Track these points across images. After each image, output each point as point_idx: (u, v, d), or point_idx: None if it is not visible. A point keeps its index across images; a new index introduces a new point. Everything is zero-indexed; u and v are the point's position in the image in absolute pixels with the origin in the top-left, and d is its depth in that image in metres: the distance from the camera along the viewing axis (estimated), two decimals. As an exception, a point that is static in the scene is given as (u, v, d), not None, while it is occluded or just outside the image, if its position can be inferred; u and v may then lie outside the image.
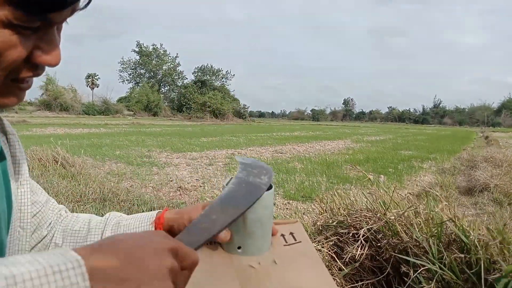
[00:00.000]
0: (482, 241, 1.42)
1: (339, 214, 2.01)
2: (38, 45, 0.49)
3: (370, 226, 1.83)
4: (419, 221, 1.73)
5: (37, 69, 0.51)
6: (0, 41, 0.46)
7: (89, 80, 66.61)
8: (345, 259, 1.83)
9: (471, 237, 1.44)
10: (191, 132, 19.12)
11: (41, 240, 0.76)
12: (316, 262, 0.65)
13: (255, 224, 0.65)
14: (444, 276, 1.35)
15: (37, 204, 0.74)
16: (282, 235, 0.74)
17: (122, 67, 65.66)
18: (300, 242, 0.72)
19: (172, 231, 0.74)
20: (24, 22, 0.46)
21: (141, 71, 65.48)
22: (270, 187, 0.68)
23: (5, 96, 0.51)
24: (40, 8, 0.46)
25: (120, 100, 52.63)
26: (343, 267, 1.81)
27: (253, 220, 0.64)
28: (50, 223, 0.77)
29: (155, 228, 0.75)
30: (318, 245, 1.88)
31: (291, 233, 0.75)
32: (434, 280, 1.34)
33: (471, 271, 1.35)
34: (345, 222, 1.93)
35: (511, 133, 33.55)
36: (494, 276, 1.24)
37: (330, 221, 1.99)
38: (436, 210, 1.77)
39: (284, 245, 0.71)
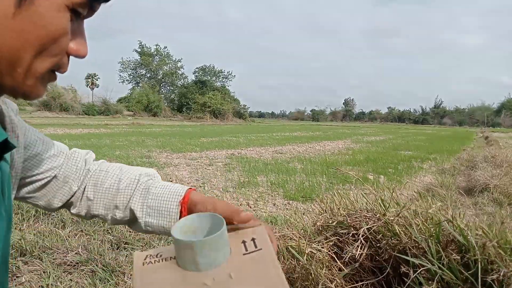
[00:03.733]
0: (479, 242, 1.43)
1: (339, 214, 2.02)
2: (73, 35, 0.49)
3: (370, 226, 1.84)
4: (418, 222, 1.74)
5: (68, 60, 0.51)
6: (61, 26, 0.46)
7: (89, 80, 66.57)
8: (345, 259, 1.84)
9: (468, 238, 1.45)
10: (191, 132, 19.12)
11: (73, 195, 0.79)
12: (274, 274, 0.59)
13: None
14: (443, 277, 1.37)
15: (54, 169, 0.76)
16: (243, 242, 0.68)
17: (122, 67, 65.62)
18: (261, 249, 0.65)
19: (192, 212, 0.75)
20: (81, 7, 0.46)
21: (142, 71, 65.46)
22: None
23: (41, 86, 0.50)
24: None
25: (120, 100, 52.62)
26: (343, 267, 1.82)
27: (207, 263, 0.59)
28: (80, 178, 0.80)
29: (180, 206, 0.76)
30: (318, 245, 1.89)
31: (253, 239, 0.68)
32: (435, 281, 1.35)
33: (469, 272, 1.36)
34: (345, 222, 1.94)
35: (511, 133, 33.56)
36: (492, 276, 1.25)
37: (330, 221, 2.00)
38: (432, 211, 1.78)
39: (244, 254, 0.64)
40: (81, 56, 0.51)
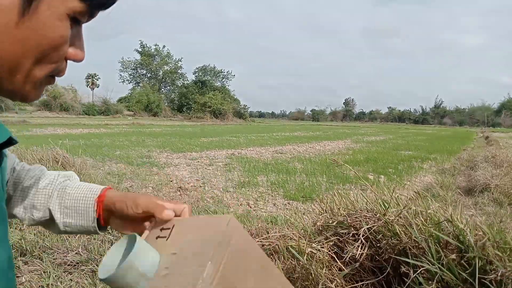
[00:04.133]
0: (478, 242, 1.43)
1: (339, 214, 2.02)
2: (72, 41, 0.50)
3: (370, 226, 1.84)
4: (418, 222, 1.74)
5: (66, 65, 0.53)
6: (62, 34, 0.48)
7: (89, 80, 66.53)
8: (345, 259, 1.84)
9: (467, 238, 1.46)
10: (191, 132, 19.13)
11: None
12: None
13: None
14: (443, 277, 1.37)
15: None
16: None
17: (122, 67, 65.57)
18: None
19: (110, 211, 0.73)
20: (81, 15, 0.48)
21: (142, 71, 65.44)
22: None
23: (39, 90, 0.51)
24: (101, 2, 0.49)
25: (120, 100, 52.62)
26: (343, 267, 1.82)
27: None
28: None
29: (96, 205, 0.74)
30: (318, 245, 1.89)
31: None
32: (435, 281, 1.35)
33: (467, 272, 1.36)
34: (345, 222, 1.94)
35: (511, 133, 33.54)
36: (490, 276, 1.25)
37: (330, 221, 2.00)
38: (431, 211, 1.78)
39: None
40: (78, 60, 0.52)
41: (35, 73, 0.49)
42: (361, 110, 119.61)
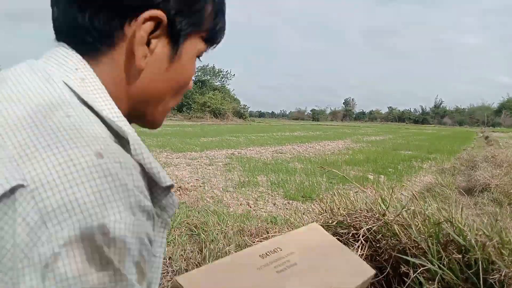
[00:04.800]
0: (479, 242, 1.43)
1: (339, 214, 2.01)
2: None
3: (370, 227, 1.84)
4: (417, 222, 1.74)
5: None
6: (193, 72, 0.62)
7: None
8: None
9: (468, 238, 1.45)
10: (191, 132, 19.13)
11: None
12: None
13: None
14: (444, 276, 1.36)
15: None
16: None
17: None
18: None
19: None
20: (201, 54, 0.62)
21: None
22: None
23: (164, 118, 0.65)
24: (217, 42, 0.63)
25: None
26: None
27: None
28: None
29: None
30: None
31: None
32: (436, 281, 1.35)
33: (470, 271, 1.35)
34: (345, 222, 1.94)
35: (511, 133, 33.54)
36: (493, 276, 1.25)
37: (330, 221, 1.99)
38: (431, 211, 1.77)
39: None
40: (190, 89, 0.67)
41: (170, 105, 0.63)
42: (361, 110, 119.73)
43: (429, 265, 1.40)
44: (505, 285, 1.24)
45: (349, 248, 1.88)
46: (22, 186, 0.38)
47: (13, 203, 0.37)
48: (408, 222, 1.69)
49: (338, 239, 1.96)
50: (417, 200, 1.88)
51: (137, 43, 0.53)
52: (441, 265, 1.39)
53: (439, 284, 1.39)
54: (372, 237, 1.86)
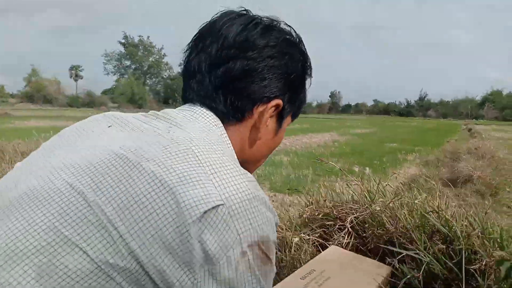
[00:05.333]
0: (464, 232, 1.45)
1: (325, 206, 2.02)
2: None
3: (356, 216, 1.84)
4: (404, 212, 1.75)
5: None
6: (283, 134, 0.86)
7: (73, 71, 65.44)
8: (331, 239, 1.84)
9: (453, 228, 1.47)
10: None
11: None
12: None
13: None
14: (430, 266, 1.38)
15: None
16: None
17: (106, 60, 64.53)
18: None
19: None
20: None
21: (126, 62, 64.53)
22: None
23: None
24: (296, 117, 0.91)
25: (104, 92, 51.95)
26: (329, 259, 1.82)
27: None
28: None
29: None
30: (305, 236, 1.89)
31: None
32: (421, 270, 1.36)
33: (453, 261, 1.37)
34: (331, 214, 1.94)
35: (493, 125, 34.18)
36: (475, 266, 1.26)
37: (316, 213, 1.99)
38: (418, 202, 1.79)
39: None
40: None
41: (263, 161, 0.89)
42: (348, 103, 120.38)
43: (416, 255, 1.41)
44: (486, 274, 1.26)
45: (335, 238, 1.89)
46: (221, 205, 0.55)
47: (215, 216, 0.55)
48: (396, 213, 1.70)
49: (324, 231, 1.97)
50: (407, 190, 1.89)
51: (263, 122, 0.76)
52: (427, 255, 1.40)
53: (425, 273, 1.40)
54: (358, 227, 1.87)
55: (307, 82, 0.87)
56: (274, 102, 0.75)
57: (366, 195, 1.98)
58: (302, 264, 1.78)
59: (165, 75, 64.00)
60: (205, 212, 0.54)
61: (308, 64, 0.85)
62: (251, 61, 0.73)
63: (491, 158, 6.67)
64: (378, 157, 8.46)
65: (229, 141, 0.72)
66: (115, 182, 0.56)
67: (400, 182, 4.51)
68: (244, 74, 0.72)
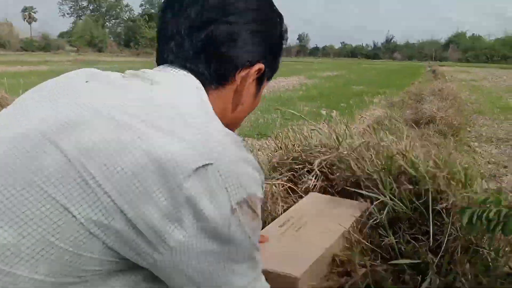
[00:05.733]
0: (430, 173, 1.46)
1: (294, 150, 2.00)
2: None
3: (324, 158, 1.84)
4: (371, 155, 1.76)
5: None
6: (260, 98, 0.86)
7: (26, 13, 60.95)
8: (301, 188, 1.84)
9: (419, 169, 1.48)
10: (141, 68, 18.30)
11: None
12: None
13: None
14: (394, 207, 1.39)
15: None
16: None
17: (62, 0, 60.18)
18: None
19: None
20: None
21: (83, 3, 60.52)
22: None
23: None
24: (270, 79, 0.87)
25: (61, 35, 48.99)
26: (299, 199, 1.83)
27: None
28: None
29: None
30: (273, 181, 1.88)
31: None
32: (385, 211, 1.37)
33: (419, 202, 1.39)
34: (300, 158, 1.93)
35: (457, 67, 35.00)
36: (441, 205, 1.29)
37: (285, 158, 1.98)
38: (385, 144, 1.80)
39: None
40: None
41: (240, 125, 0.89)
42: (315, 46, 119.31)
43: (381, 197, 1.42)
44: (451, 213, 1.29)
45: (304, 181, 1.90)
46: (210, 164, 0.56)
47: (204, 174, 0.56)
48: (363, 155, 1.70)
49: (293, 175, 1.97)
50: (374, 132, 1.89)
51: (246, 87, 0.76)
52: (392, 197, 1.41)
53: (390, 214, 1.42)
54: (326, 170, 1.87)
55: (283, 43, 0.88)
56: (257, 66, 0.76)
57: (334, 139, 1.97)
58: (270, 208, 1.78)
59: (125, 17, 60.76)
60: (196, 169, 0.55)
61: (285, 28, 0.85)
62: (234, 25, 0.73)
63: (454, 99, 6.85)
64: (345, 100, 8.53)
65: (211, 106, 0.72)
66: (97, 138, 0.56)
67: (367, 125, 4.58)
68: (227, 38, 0.72)
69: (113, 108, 0.60)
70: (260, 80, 0.80)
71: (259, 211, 0.65)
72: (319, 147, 1.94)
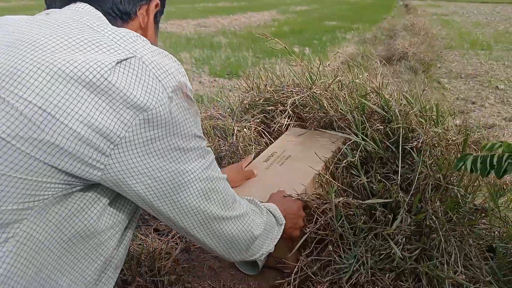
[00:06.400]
0: (402, 111, 1.46)
1: (266, 91, 1.95)
2: None
3: (296, 98, 1.80)
4: (344, 94, 1.73)
5: None
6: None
7: None
8: (273, 129, 1.82)
9: (392, 108, 1.47)
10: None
11: None
12: None
13: None
14: (366, 147, 1.39)
15: None
16: None
17: None
18: None
19: None
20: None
21: None
22: None
23: None
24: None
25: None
26: (272, 140, 1.82)
27: None
28: None
29: None
30: (246, 123, 1.84)
31: None
32: (358, 151, 1.37)
33: (390, 140, 1.39)
34: (272, 99, 1.88)
35: (428, 0, 34.54)
36: (412, 144, 1.29)
37: (257, 99, 1.93)
38: (359, 82, 1.77)
39: None
40: None
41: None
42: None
43: (353, 137, 1.41)
44: (422, 151, 1.30)
45: (276, 121, 1.87)
46: (133, 56, 0.59)
47: (129, 66, 0.58)
48: (336, 94, 1.67)
49: (265, 116, 1.94)
50: (348, 70, 1.85)
51: (150, 23, 0.79)
52: (364, 137, 1.41)
53: (362, 153, 1.43)
54: (299, 110, 1.84)
55: None
56: (155, 2, 0.79)
57: (307, 77, 1.92)
58: (241, 151, 1.77)
59: None
60: (118, 62, 0.57)
61: None
62: None
63: (425, 35, 6.81)
64: (318, 36, 8.35)
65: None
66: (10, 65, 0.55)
67: (339, 62, 4.51)
68: None
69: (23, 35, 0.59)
70: (156, 15, 0.82)
71: (193, 99, 0.68)
72: (292, 87, 1.90)
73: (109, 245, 0.68)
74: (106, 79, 0.55)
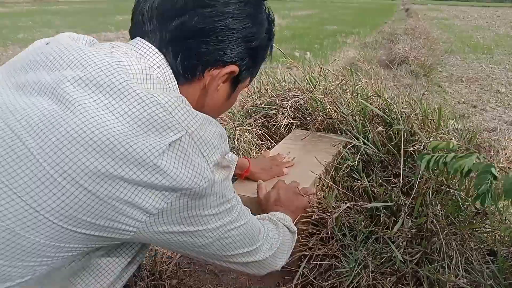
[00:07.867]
0: (404, 114, 1.46)
1: (267, 95, 1.95)
2: None
3: (297, 99, 1.81)
4: (346, 97, 1.73)
5: None
6: (236, 101, 0.87)
7: None
8: (274, 128, 1.82)
9: (394, 111, 1.47)
10: (104, 9, 17.30)
11: None
12: None
13: None
14: (367, 150, 1.40)
15: None
16: None
17: None
18: None
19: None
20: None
21: None
22: None
23: None
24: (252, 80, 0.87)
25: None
26: (274, 144, 1.82)
27: None
28: None
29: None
30: (247, 127, 1.85)
31: None
32: (358, 154, 1.37)
33: (391, 143, 1.39)
34: (273, 103, 1.89)
35: (429, 4, 34.65)
36: (414, 147, 1.29)
37: (259, 103, 1.94)
38: (360, 86, 1.77)
39: None
40: None
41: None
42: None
43: (354, 141, 1.41)
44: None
45: (278, 124, 1.87)
46: (185, 133, 0.58)
47: (180, 143, 0.57)
48: (338, 98, 1.68)
49: (267, 121, 1.94)
50: (345, 76, 1.85)
51: (214, 87, 0.72)
52: (365, 140, 1.41)
53: (363, 157, 1.43)
54: (300, 113, 1.85)
55: (269, 48, 0.80)
56: (229, 68, 0.70)
57: (309, 81, 1.92)
58: (243, 155, 1.77)
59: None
60: (169, 144, 0.57)
61: (273, 29, 0.78)
62: (208, 19, 0.66)
63: (426, 39, 6.83)
64: (319, 41, 8.37)
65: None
66: (46, 126, 0.54)
67: (340, 67, 4.52)
68: (198, 32, 0.66)
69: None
70: (236, 81, 0.75)
71: (229, 164, 0.69)
72: (293, 91, 1.90)
73: (116, 269, 0.70)
74: (155, 163, 0.55)
